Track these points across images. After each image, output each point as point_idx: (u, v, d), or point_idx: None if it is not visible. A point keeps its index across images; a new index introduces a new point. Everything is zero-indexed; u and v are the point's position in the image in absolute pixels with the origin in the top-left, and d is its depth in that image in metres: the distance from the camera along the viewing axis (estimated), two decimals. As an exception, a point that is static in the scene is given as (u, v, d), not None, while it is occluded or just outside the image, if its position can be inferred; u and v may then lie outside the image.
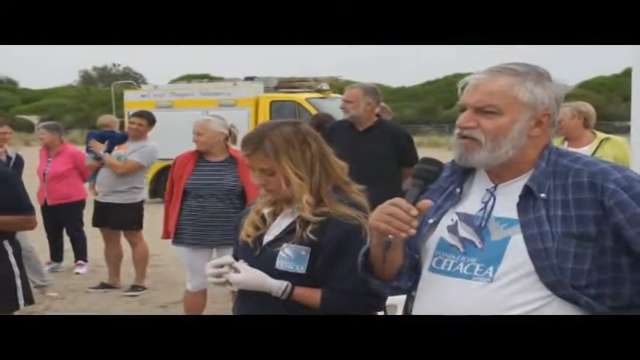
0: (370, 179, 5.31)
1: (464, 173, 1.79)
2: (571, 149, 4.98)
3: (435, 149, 26.97)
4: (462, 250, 1.70)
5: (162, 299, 6.35)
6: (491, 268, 1.64)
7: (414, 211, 1.63)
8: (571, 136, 5.14)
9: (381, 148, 5.08)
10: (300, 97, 13.59)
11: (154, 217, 6.86)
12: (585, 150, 5.06)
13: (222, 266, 2.24)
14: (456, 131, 1.71)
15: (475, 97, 1.68)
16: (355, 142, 5.09)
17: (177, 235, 4.84)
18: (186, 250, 4.83)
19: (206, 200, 4.72)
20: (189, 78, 21.68)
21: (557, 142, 5.22)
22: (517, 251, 1.62)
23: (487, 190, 1.73)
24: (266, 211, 2.32)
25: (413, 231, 1.63)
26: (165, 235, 4.99)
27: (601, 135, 5.17)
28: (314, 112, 12.92)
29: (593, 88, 39.95)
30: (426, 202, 1.66)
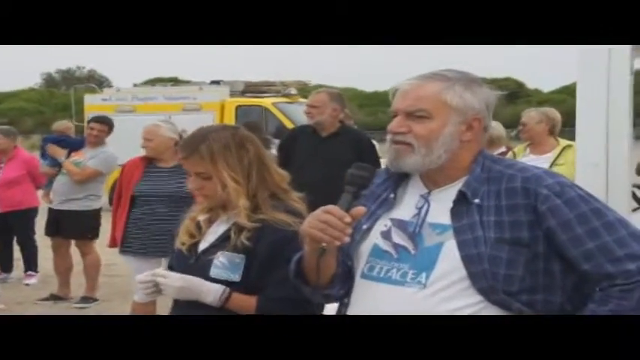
0: (334, 185, 5.36)
1: (398, 179, 1.81)
2: (533, 155, 5.07)
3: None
4: (395, 256, 1.72)
5: (114, 311, 6.27)
6: (424, 274, 1.66)
7: (348, 219, 1.64)
8: (535, 141, 5.26)
9: (344, 154, 5.09)
10: (267, 101, 13.63)
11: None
12: (548, 157, 5.14)
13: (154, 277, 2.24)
14: (388, 137, 1.74)
15: (406, 103, 1.72)
16: (319, 148, 5.14)
17: (125, 243, 4.80)
18: (134, 259, 4.79)
19: (155, 207, 4.69)
20: (156, 81, 21.58)
21: (520, 147, 5.28)
22: (450, 257, 1.65)
23: (421, 195, 1.76)
24: (201, 218, 2.33)
25: (347, 238, 1.65)
26: (112, 244, 4.93)
27: (564, 142, 5.27)
28: (281, 117, 13.02)
29: (571, 94, 40.83)
30: (359, 209, 1.68)
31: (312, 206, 2.31)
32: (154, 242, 4.68)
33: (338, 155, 5.09)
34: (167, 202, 4.68)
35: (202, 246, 2.27)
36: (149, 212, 4.71)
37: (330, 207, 1.65)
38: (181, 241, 2.30)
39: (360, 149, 5.17)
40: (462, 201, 1.69)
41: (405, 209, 1.76)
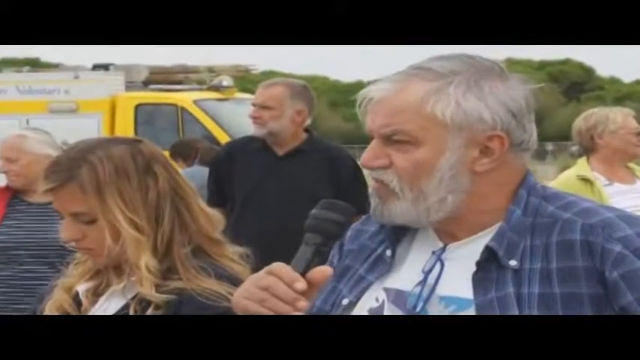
0: (293, 234, 5.36)
1: (398, 228, 1.85)
2: (620, 185, 5.16)
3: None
4: None
5: None
6: None
7: (300, 284, 1.67)
8: (615, 161, 5.34)
9: (312, 182, 5.18)
10: (185, 97, 13.83)
11: None
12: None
13: None
14: (366, 172, 1.80)
15: (378, 120, 1.76)
16: (272, 174, 5.19)
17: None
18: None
19: (24, 266, 4.67)
20: (4, 64, 21.52)
21: (581, 166, 5.35)
22: None
23: (433, 252, 1.80)
24: (82, 288, 2.33)
25: (297, 314, 1.67)
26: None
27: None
28: (207, 122, 13.06)
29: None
30: (322, 270, 1.71)
31: (263, 266, 2.37)
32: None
33: (303, 185, 5.14)
34: (42, 256, 4.65)
35: None
36: (12, 274, 4.69)
37: (276, 267, 1.69)
38: None
39: (338, 175, 5.24)
40: (490, 262, 1.73)
41: (407, 274, 1.80)
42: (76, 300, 2.33)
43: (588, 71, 55.57)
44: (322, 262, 1.75)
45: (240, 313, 1.73)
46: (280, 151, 5.25)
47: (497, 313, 1.68)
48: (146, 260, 2.23)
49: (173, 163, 2.64)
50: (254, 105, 5.31)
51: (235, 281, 2.24)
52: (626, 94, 48.39)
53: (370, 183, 1.80)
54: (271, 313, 1.67)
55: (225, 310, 2.16)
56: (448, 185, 1.73)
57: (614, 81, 57.43)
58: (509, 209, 1.76)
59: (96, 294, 2.33)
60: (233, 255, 2.36)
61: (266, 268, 1.70)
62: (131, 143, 2.33)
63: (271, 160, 5.24)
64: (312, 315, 1.73)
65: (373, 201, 1.78)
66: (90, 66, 14.44)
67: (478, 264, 1.72)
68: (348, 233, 1.91)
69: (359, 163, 5.46)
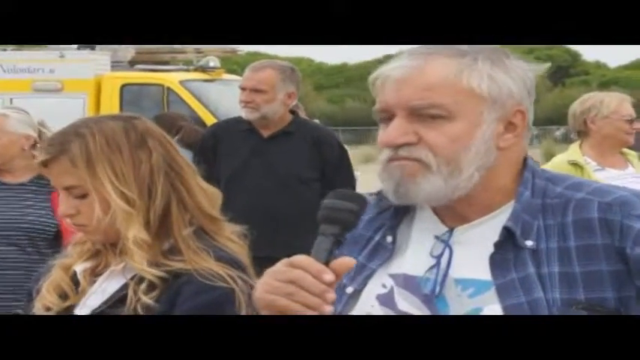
0: (280, 214, 5.32)
1: (396, 213, 1.84)
2: (613, 170, 5.14)
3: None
4: None
5: None
6: None
7: (329, 276, 1.65)
8: (606, 146, 5.29)
9: (298, 163, 5.22)
10: (172, 78, 13.77)
11: None
12: (630, 172, 5.25)
13: None
14: (386, 153, 1.75)
15: (407, 95, 1.74)
16: (258, 155, 5.22)
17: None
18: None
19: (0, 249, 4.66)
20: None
21: (573, 152, 5.32)
22: None
23: (437, 237, 1.79)
24: (79, 268, 2.33)
25: (329, 308, 1.65)
26: None
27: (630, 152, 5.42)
28: (193, 103, 13.05)
29: None
30: (345, 261, 1.68)
31: (251, 249, 2.38)
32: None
33: (289, 167, 5.19)
34: (13, 238, 4.65)
35: (81, 313, 2.28)
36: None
37: (301, 259, 1.65)
38: (46, 303, 2.30)
39: (324, 157, 5.28)
40: (507, 243, 1.72)
41: (413, 259, 1.79)
42: (74, 280, 2.33)
43: (574, 56, 55.60)
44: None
45: (264, 311, 1.69)
46: (266, 133, 5.27)
47: (520, 294, 1.68)
48: (135, 233, 2.23)
49: None
50: (244, 89, 5.28)
51: (235, 263, 2.26)
52: (611, 79, 48.48)
53: (384, 165, 1.75)
54: (300, 308, 1.63)
55: (224, 291, 2.18)
56: (480, 160, 1.73)
57: (599, 66, 57.49)
58: (518, 191, 1.76)
59: (94, 274, 2.32)
60: (231, 234, 2.35)
61: (286, 261, 1.67)
62: (126, 119, 2.34)
63: (257, 142, 5.26)
64: (330, 315, 1.67)
65: (395, 181, 1.74)
66: (75, 45, 14.34)
67: (496, 245, 1.72)
68: None
69: (345, 146, 5.55)
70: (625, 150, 5.32)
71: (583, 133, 5.26)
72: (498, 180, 1.77)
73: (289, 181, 5.19)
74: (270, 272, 1.68)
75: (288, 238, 4.88)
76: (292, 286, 1.63)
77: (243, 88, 5.29)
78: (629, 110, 5.25)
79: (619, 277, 1.67)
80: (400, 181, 1.74)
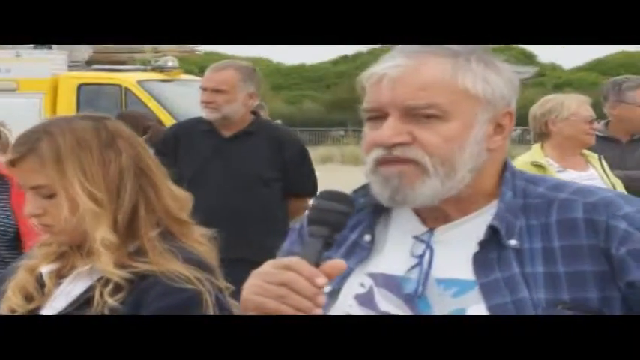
0: (242, 215, 5.28)
1: (375, 212, 1.83)
2: (573, 172, 5.18)
3: (354, 167, 26.99)
4: None
5: None
6: None
7: (321, 279, 1.63)
8: (568, 148, 5.34)
9: (259, 164, 5.22)
10: (129, 77, 13.73)
11: None
12: (591, 174, 5.27)
13: None
14: (377, 152, 1.74)
15: (402, 94, 1.72)
16: (219, 156, 5.21)
17: None
18: None
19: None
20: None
21: (534, 154, 5.36)
22: None
23: (416, 237, 1.78)
24: (45, 269, 2.31)
25: (319, 311, 1.64)
26: None
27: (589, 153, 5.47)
28: (151, 104, 13.00)
29: (605, 72, 42.30)
30: (337, 264, 1.68)
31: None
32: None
33: (250, 167, 5.19)
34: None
35: (46, 314, 2.26)
36: None
37: (292, 261, 1.64)
38: (11, 305, 2.28)
39: (285, 159, 5.27)
40: (490, 243, 1.72)
41: (393, 258, 1.78)
42: (40, 282, 2.31)
43: (530, 57, 55.96)
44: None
45: (251, 313, 1.67)
46: (227, 134, 5.26)
47: (505, 293, 1.68)
48: (102, 234, 2.21)
49: None
50: (205, 89, 5.27)
51: (202, 265, 2.25)
52: (565, 81, 48.81)
53: (373, 167, 1.73)
54: (290, 311, 1.62)
55: (191, 293, 2.18)
56: (473, 161, 1.73)
57: (554, 67, 57.89)
58: (501, 191, 1.76)
59: (60, 275, 2.31)
60: (200, 237, 2.34)
61: (277, 263, 1.65)
62: (97, 119, 2.33)
63: (218, 142, 5.25)
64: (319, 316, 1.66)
65: (391, 184, 1.73)
66: (32, 45, 14.24)
67: (481, 244, 1.72)
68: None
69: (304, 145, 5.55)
70: (585, 152, 5.38)
71: (544, 135, 5.31)
72: (484, 181, 1.77)
73: (250, 181, 5.17)
74: (258, 273, 1.66)
75: (251, 238, 4.90)
76: (284, 288, 1.61)
77: (204, 89, 5.27)
78: (588, 111, 5.30)
79: (603, 277, 1.68)
80: (398, 189, 1.73)
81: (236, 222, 4.95)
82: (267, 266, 1.65)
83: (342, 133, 38.79)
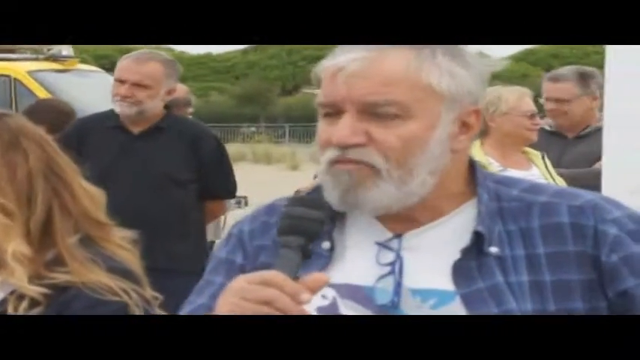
0: (153, 219, 5.00)
1: (332, 216, 1.78)
2: (514, 170, 5.06)
3: (266, 166, 27.13)
4: None
5: None
6: None
7: (306, 296, 1.59)
8: (506, 144, 5.15)
9: (171, 162, 5.00)
10: (19, 67, 13.11)
11: None
12: (533, 174, 5.07)
13: None
14: (332, 153, 1.70)
15: (361, 89, 1.69)
16: (127, 154, 4.99)
17: None
18: None
19: None
20: None
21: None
22: None
23: (380, 244, 1.75)
24: None
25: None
26: None
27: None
28: (43, 94, 12.60)
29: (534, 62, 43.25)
30: (319, 277, 1.63)
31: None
32: None
33: (163, 166, 4.97)
34: None
35: None
36: None
37: (273, 275, 1.59)
38: None
39: (201, 156, 5.07)
40: (469, 250, 1.70)
41: (356, 267, 1.75)
42: None
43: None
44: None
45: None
46: (136, 130, 5.03)
47: (491, 304, 1.66)
48: (14, 247, 2.13)
49: None
50: (122, 81, 4.95)
51: (127, 274, 2.18)
52: (494, 73, 50.33)
53: (327, 167, 1.70)
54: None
55: (117, 306, 2.11)
56: (433, 164, 1.69)
57: (482, 57, 59.83)
58: (479, 193, 1.74)
59: None
60: (121, 241, 2.27)
61: (255, 278, 1.59)
62: None
63: (126, 139, 5.02)
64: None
65: (339, 188, 1.69)
66: None
67: (463, 251, 1.69)
68: (250, 227, 1.85)
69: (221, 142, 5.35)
70: (527, 149, 5.28)
71: (482, 132, 5.11)
72: (450, 183, 1.75)
73: (163, 182, 4.97)
74: (234, 290, 1.61)
75: (163, 245, 4.67)
76: (266, 307, 1.57)
77: (122, 81, 4.97)
78: (529, 105, 5.15)
79: (590, 286, 1.68)
80: (348, 189, 1.70)
81: (145, 227, 4.62)
82: (243, 282, 1.61)
83: (254, 129, 38.85)
